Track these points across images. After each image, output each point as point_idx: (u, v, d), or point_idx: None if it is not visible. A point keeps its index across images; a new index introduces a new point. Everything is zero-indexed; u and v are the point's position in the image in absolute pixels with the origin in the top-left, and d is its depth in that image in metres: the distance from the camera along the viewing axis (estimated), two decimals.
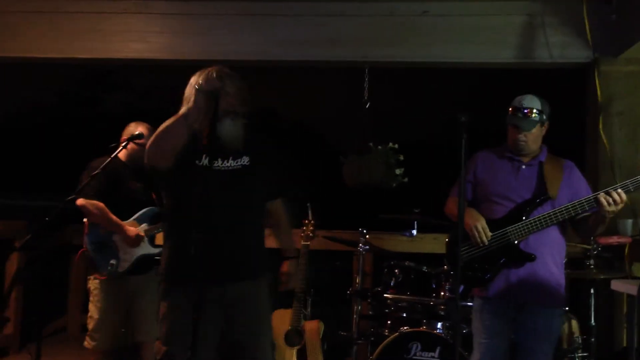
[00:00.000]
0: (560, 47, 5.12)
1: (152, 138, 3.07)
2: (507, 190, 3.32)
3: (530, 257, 3.26)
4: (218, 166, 3.03)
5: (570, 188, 3.36)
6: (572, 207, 3.22)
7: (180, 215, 3.03)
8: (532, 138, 3.37)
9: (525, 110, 3.35)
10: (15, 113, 28.03)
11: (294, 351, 4.36)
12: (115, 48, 5.47)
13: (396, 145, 5.47)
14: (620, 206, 3.14)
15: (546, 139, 3.48)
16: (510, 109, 3.40)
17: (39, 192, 16.27)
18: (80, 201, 4.15)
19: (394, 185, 5.44)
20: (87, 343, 4.27)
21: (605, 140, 4.90)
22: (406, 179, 5.40)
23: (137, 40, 5.45)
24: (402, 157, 5.43)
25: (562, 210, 3.23)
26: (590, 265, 4.15)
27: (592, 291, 4.18)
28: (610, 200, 3.12)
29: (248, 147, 3.08)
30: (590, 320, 4.16)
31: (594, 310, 4.18)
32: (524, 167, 3.41)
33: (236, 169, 3.06)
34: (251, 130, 3.11)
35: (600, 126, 4.92)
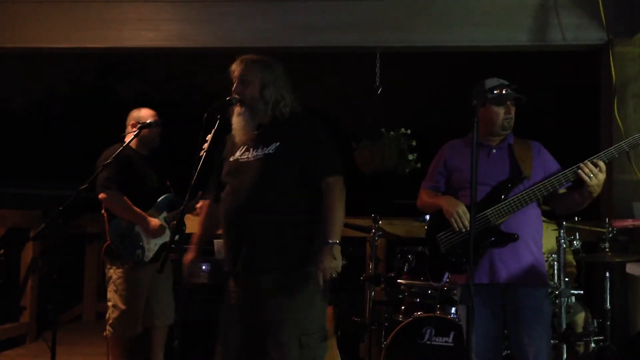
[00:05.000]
0: (574, 29, 5.05)
1: None
2: (481, 175, 3.27)
3: (513, 237, 3.23)
4: (245, 158, 3.03)
5: (542, 165, 3.35)
6: (549, 182, 3.19)
7: (221, 209, 3.10)
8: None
9: (508, 86, 3.32)
10: (30, 103, 28.19)
11: None
12: (127, 37, 5.45)
13: (408, 131, 5.45)
14: (601, 176, 3.09)
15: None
16: (493, 90, 3.32)
17: (54, 182, 16.38)
18: (102, 195, 4.19)
19: (407, 171, 5.42)
20: (109, 332, 4.27)
21: (620, 123, 4.84)
22: (419, 165, 5.38)
23: (148, 29, 5.43)
24: (414, 143, 5.42)
25: (540, 187, 3.20)
26: (605, 248, 4.12)
27: (607, 274, 4.15)
28: (587, 170, 3.08)
29: (279, 133, 3.02)
30: (606, 304, 4.14)
31: (609, 294, 4.15)
32: (494, 151, 3.40)
33: (258, 158, 2.99)
34: (284, 115, 3.07)
35: (615, 108, 4.86)
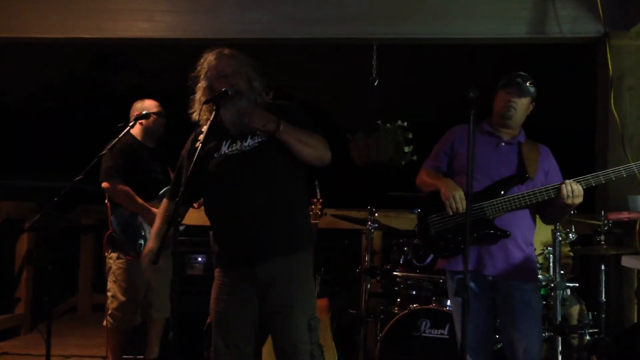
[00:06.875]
0: (570, 22, 5.04)
1: None
2: (484, 165, 3.26)
3: (505, 234, 3.22)
4: (235, 150, 3.01)
5: (545, 171, 3.35)
6: (552, 188, 3.19)
7: (210, 206, 3.10)
8: (521, 108, 3.35)
9: (525, 78, 3.33)
10: (24, 95, 28.12)
11: None
12: (122, 27, 5.41)
13: (405, 123, 5.44)
14: (577, 200, 3.13)
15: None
16: (507, 77, 3.36)
17: (49, 173, 16.34)
18: (105, 184, 4.20)
19: (403, 163, 5.41)
20: (108, 322, 4.29)
21: (616, 116, 4.84)
22: (415, 157, 5.37)
23: (143, 20, 5.40)
24: (410, 135, 5.40)
25: (542, 191, 3.20)
26: (600, 241, 4.13)
27: (602, 267, 4.16)
28: (569, 189, 3.12)
29: None
30: (601, 297, 4.15)
31: (604, 287, 4.16)
32: (503, 144, 3.39)
33: (252, 147, 3.00)
34: (267, 103, 3.08)
35: (612, 101, 4.86)
